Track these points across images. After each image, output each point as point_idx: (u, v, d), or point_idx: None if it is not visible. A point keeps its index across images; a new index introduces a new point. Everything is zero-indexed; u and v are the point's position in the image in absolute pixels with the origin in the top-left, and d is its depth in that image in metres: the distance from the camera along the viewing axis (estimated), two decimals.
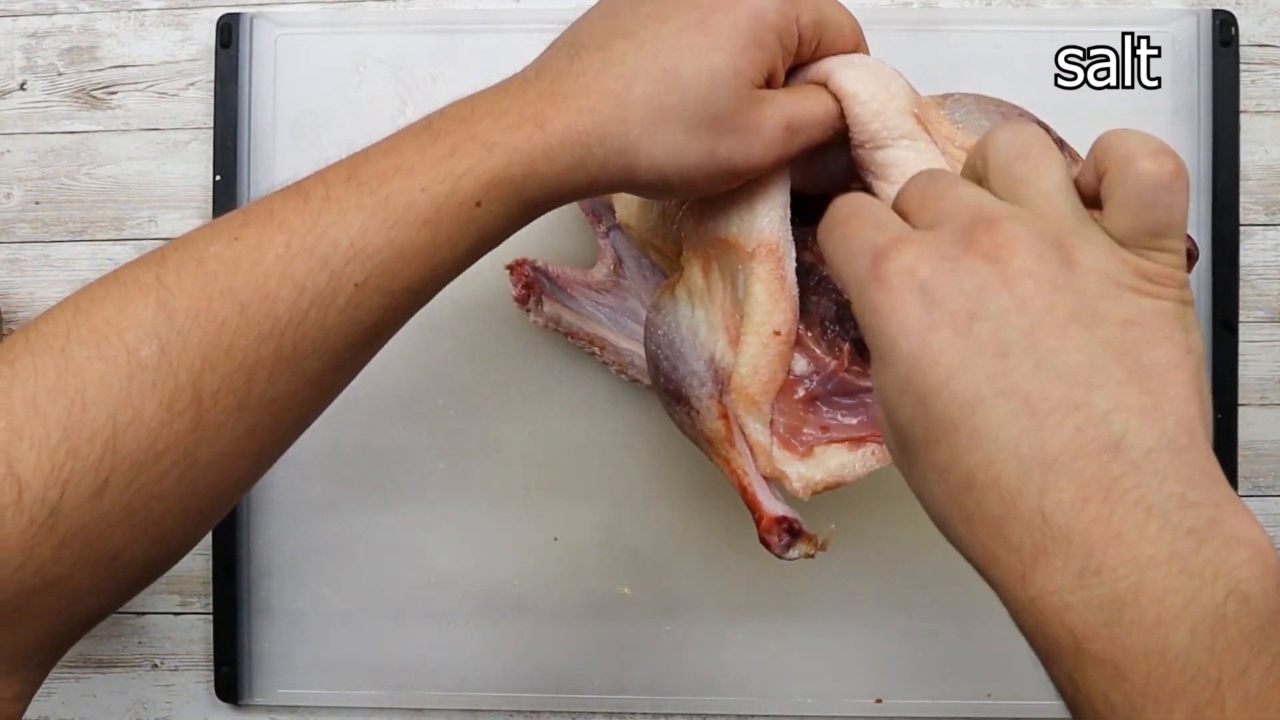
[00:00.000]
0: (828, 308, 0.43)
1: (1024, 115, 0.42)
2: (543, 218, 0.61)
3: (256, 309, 0.32)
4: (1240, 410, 0.57)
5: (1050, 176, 0.29)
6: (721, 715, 0.59)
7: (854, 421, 0.42)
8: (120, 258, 0.61)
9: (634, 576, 0.58)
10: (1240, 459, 0.57)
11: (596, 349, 0.55)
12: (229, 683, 0.59)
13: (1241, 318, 0.57)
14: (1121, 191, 0.27)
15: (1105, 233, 0.28)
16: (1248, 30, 0.58)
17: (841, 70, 0.39)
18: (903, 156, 0.39)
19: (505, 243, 0.58)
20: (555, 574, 0.59)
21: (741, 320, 0.40)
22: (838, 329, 0.42)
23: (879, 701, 0.58)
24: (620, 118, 0.35)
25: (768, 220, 0.40)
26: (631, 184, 0.37)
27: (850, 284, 0.30)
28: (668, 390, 0.43)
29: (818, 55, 0.40)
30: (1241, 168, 0.57)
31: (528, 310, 0.56)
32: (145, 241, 0.61)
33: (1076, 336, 0.26)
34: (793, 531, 0.40)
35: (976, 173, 0.31)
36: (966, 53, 0.57)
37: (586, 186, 0.36)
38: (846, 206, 0.31)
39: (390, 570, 0.59)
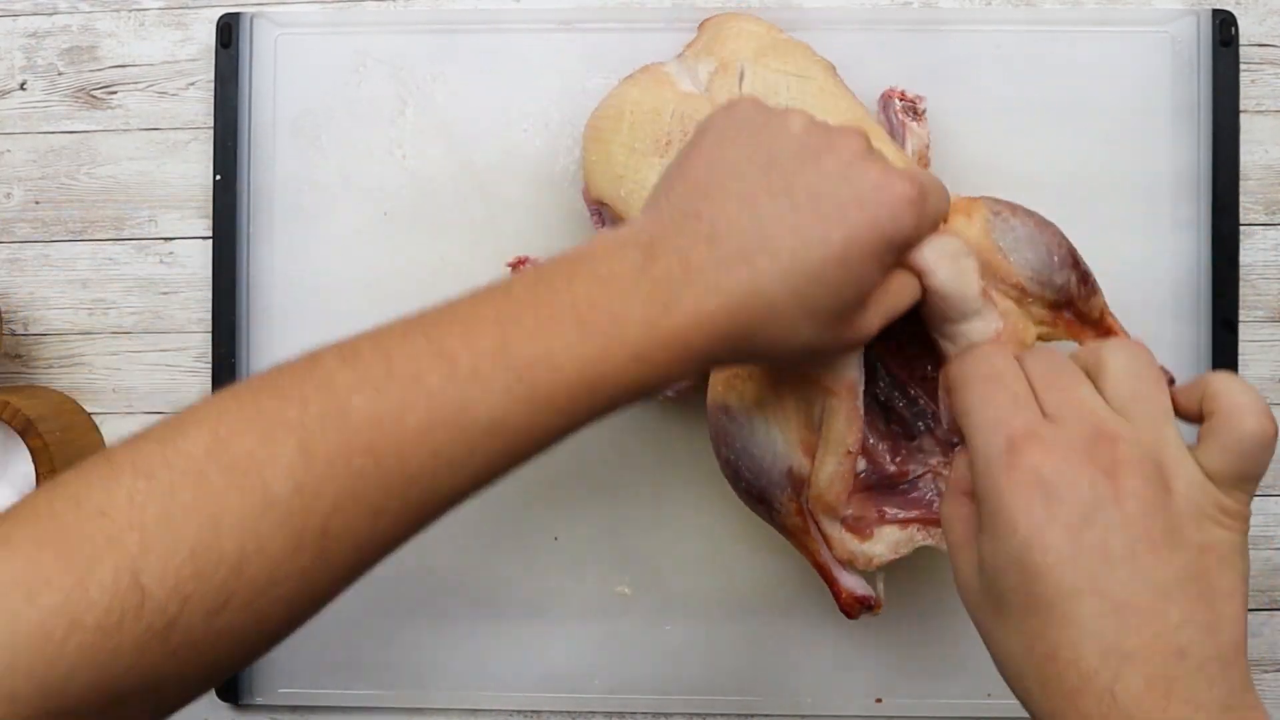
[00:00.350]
0: (877, 430, 0.50)
1: (1062, 239, 0.48)
2: (545, 216, 0.61)
3: (392, 464, 0.33)
4: None
5: (1160, 404, 0.34)
6: (721, 715, 0.59)
7: (901, 508, 0.50)
8: (120, 257, 0.61)
9: (634, 576, 0.58)
10: None
11: None
12: (229, 682, 0.59)
13: (1241, 317, 0.57)
14: (1224, 439, 0.33)
15: (1198, 464, 0.33)
16: (1248, 30, 0.58)
17: (924, 253, 0.42)
18: (974, 329, 0.45)
19: (507, 238, 0.58)
20: (556, 574, 0.59)
21: (819, 440, 0.47)
22: (888, 438, 0.50)
23: (879, 701, 0.58)
24: (750, 336, 0.37)
25: (851, 366, 0.46)
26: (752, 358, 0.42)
27: (979, 453, 0.34)
28: (750, 494, 0.49)
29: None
30: (1241, 167, 0.57)
31: None
32: (145, 241, 0.61)
33: (1165, 555, 0.32)
34: (868, 606, 0.50)
35: (1088, 367, 0.36)
36: (966, 52, 0.57)
37: (722, 358, 0.39)
38: (985, 365, 0.36)
39: (390, 570, 0.58)
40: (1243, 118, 0.57)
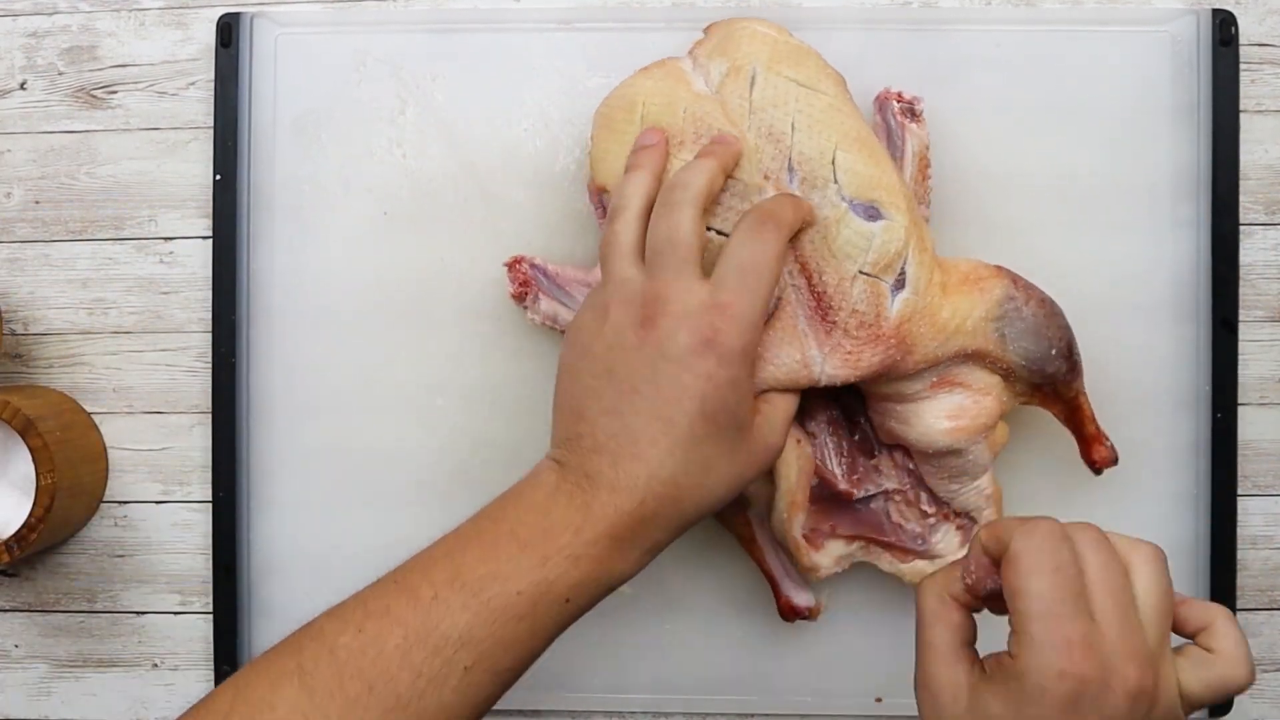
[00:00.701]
0: (835, 444, 0.54)
1: (1064, 330, 0.52)
2: (545, 216, 0.61)
3: (382, 688, 0.39)
4: (1240, 410, 0.57)
5: (1168, 621, 0.38)
6: (721, 715, 0.59)
7: (851, 525, 0.54)
8: (120, 257, 0.61)
9: (634, 577, 0.58)
10: (1240, 458, 0.57)
11: None
12: None
13: (1241, 317, 0.57)
14: (1212, 677, 0.38)
15: (1177, 676, 0.38)
16: (1247, 29, 0.58)
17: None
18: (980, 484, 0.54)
19: (507, 238, 0.58)
20: None
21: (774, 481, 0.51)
22: (848, 454, 0.54)
23: (879, 701, 0.58)
24: (672, 493, 0.43)
25: (782, 433, 0.49)
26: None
27: (1035, 640, 0.36)
28: None
29: None
30: (1241, 167, 0.57)
31: (525, 307, 0.56)
32: (145, 241, 0.61)
33: None
34: (804, 615, 0.54)
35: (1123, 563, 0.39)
36: (966, 52, 0.57)
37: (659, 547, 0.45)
38: (1053, 556, 0.37)
39: (389, 569, 0.59)
40: (1243, 117, 0.57)
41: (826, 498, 0.53)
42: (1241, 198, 0.57)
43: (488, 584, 0.41)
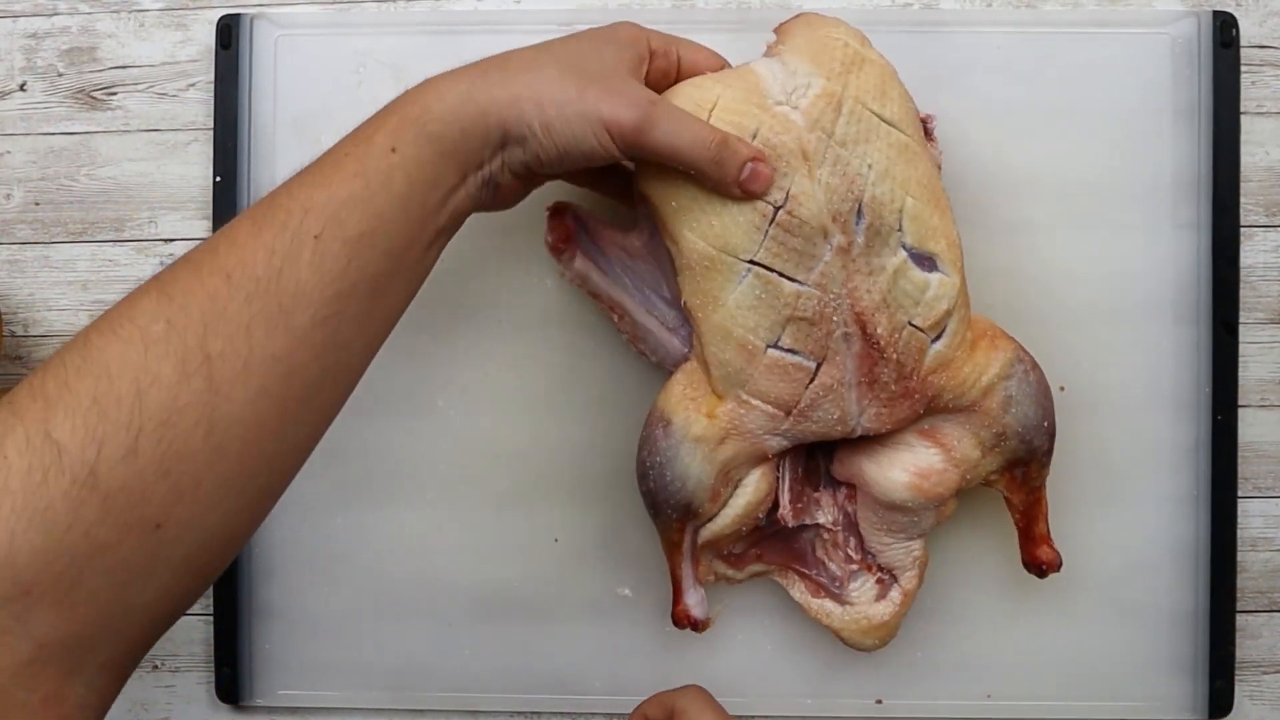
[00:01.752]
0: (790, 471, 0.54)
1: (1053, 409, 0.53)
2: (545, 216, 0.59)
3: (239, 274, 0.38)
4: (1240, 412, 0.57)
5: None
6: None
7: (776, 552, 0.56)
8: (120, 259, 0.61)
9: (635, 578, 0.59)
10: (1241, 460, 0.57)
11: (616, 315, 0.54)
12: (230, 684, 0.59)
13: (1242, 319, 0.57)
14: None
15: None
16: (1248, 31, 0.58)
17: None
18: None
19: (509, 237, 0.58)
20: (556, 575, 0.59)
21: (729, 495, 0.52)
22: (796, 483, 0.55)
23: (879, 702, 0.58)
24: (499, 64, 0.44)
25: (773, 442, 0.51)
26: (518, 120, 0.43)
27: None
28: (647, 497, 0.52)
29: (682, 74, 0.49)
30: (1242, 169, 0.57)
31: (559, 259, 0.54)
32: (145, 243, 0.60)
33: None
34: (695, 626, 0.54)
35: None
36: (967, 54, 0.57)
37: (476, 119, 0.42)
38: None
39: (391, 571, 0.59)
40: (1243, 119, 0.57)
41: (761, 528, 0.55)
42: (1242, 200, 0.57)
43: (320, 161, 0.42)
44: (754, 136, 0.47)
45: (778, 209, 0.47)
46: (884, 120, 0.48)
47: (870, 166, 0.47)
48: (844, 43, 0.48)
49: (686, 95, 0.48)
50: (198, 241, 0.59)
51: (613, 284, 0.53)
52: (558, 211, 0.53)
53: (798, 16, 0.50)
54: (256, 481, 0.38)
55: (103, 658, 0.35)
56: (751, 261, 0.48)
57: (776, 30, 0.51)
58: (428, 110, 0.42)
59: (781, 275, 0.48)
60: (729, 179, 0.46)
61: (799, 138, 0.47)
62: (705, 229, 0.47)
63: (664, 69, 0.48)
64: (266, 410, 0.38)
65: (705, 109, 0.47)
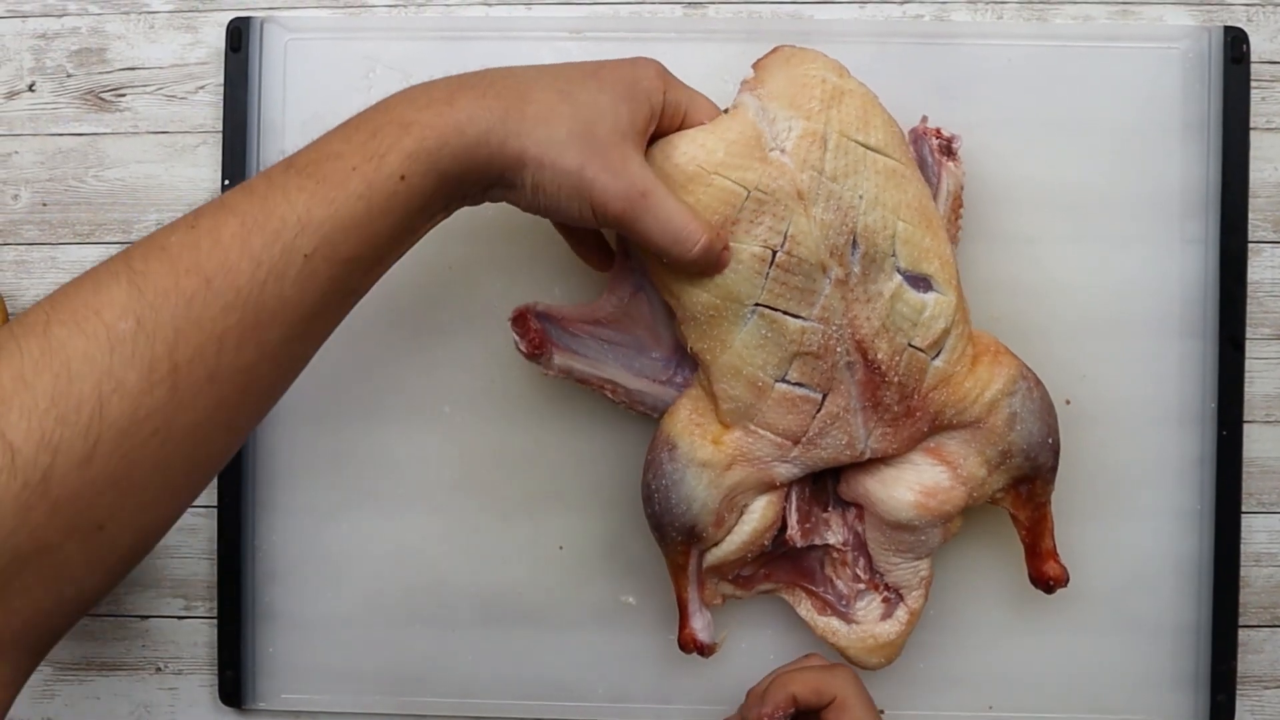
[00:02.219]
0: (798, 492, 0.54)
1: (1057, 425, 0.53)
2: (555, 254, 0.58)
3: (220, 281, 0.36)
4: (1246, 427, 0.57)
5: None
6: None
7: (785, 571, 0.56)
8: None
9: (638, 585, 0.59)
10: (1245, 475, 0.57)
11: (608, 391, 0.54)
12: (232, 687, 0.59)
13: (1248, 335, 0.57)
14: None
15: None
16: (1259, 47, 0.58)
17: None
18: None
19: (515, 244, 0.58)
20: (560, 582, 0.59)
21: (734, 521, 0.52)
22: (804, 502, 0.54)
23: (882, 713, 0.58)
24: (520, 106, 0.42)
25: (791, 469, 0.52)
26: (518, 172, 0.42)
27: None
28: (651, 519, 0.52)
29: (684, 125, 0.48)
30: (1250, 184, 0.57)
31: (539, 363, 0.53)
32: None
33: None
34: (701, 650, 0.54)
35: None
36: (978, 66, 0.57)
37: (484, 164, 0.42)
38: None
39: (395, 577, 0.59)
40: (1252, 135, 0.57)
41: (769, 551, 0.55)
42: (1250, 215, 0.57)
43: (322, 163, 0.39)
44: (748, 198, 0.47)
45: (776, 252, 0.47)
46: (869, 148, 0.48)
47: (861, 196, 0.48)
48: (821, 78, 0.48)
49: (690, 157, 0.47)
50: None
51: (596, 365, 0.53)
52: (520, 319, 0.52)
53: (774, 52, 0.51)
54: (196, 481, 0.38)
55: (30, 641, 0.35)
56: (756, 304, 0.48)
57: (754, 66, 0.50)
58: (445, 145, 0.40)
59: (785, 313, 0.48)
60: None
61: (793, 180, 0.47)
62: (706, 282, 0.48)
63: (670, 122, 0.48)
64: (221, 420, 0.37)
65: (708, 170, 0.47)
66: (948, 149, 0.52)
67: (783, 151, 0.47)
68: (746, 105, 0.48)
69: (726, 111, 0.49)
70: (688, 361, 0.53)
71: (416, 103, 0.41)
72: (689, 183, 0.47)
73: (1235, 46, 0.56)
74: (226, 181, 0.58)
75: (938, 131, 0.53)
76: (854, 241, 0.48)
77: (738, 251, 0.47)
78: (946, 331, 0.49)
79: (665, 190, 0.45)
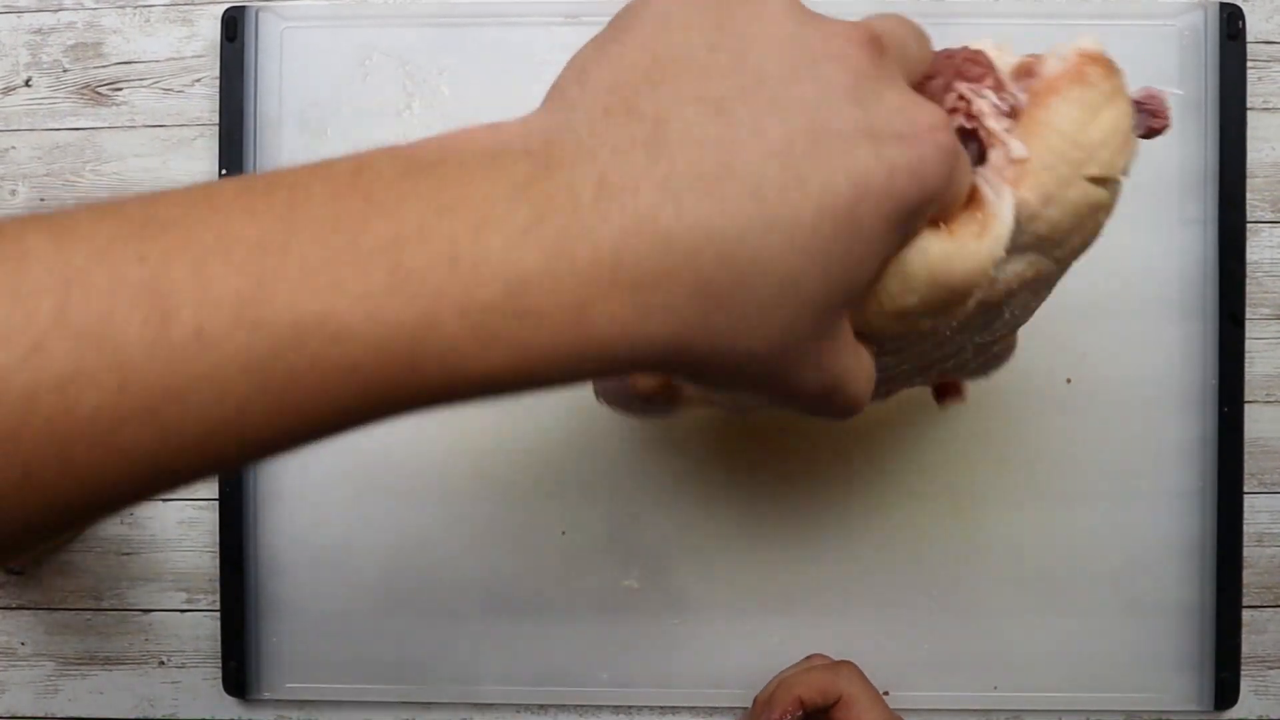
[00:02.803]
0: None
1: None
2: None
3: (51, 477, 0.21)
4: (1247, 407, 0.57)
5: None
6: (728, 709, 0.59)
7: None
8: None
9: (641, 570, 0.59)
10: (1247, 455, 0.57)
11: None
12: (237, 677, 0.59)
13: (1248, 314, 0.57)
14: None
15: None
16: (1255, 26, 0.58)
17: None
18: None
19: None
20: (563, 568, 0.59)
21: None
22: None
23: (886, 693, 0.58)
24: (726, 281, 0.23)
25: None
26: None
27: None
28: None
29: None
30: (1248, 164, 0.57)
31: (667, 407, 0.40)
32: None
33: None
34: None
35: None
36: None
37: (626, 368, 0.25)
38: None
39: (397, 565, 0.59)
40: (1250, 114, 0.57)
41: None
42: (1248, 194, 0.57)
43: (307, 338, 0.21)
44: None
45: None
46: None
47: None
48: None
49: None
50: None
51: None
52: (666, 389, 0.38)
53: None
54: None
55: None
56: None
57: None
58: (592, 325, 0.23)
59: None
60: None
61: None
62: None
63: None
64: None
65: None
66: None
67: None
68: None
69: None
70: None
71: (534, 285, 0.22)
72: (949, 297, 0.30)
73: (1231, 23, 0.56)
74: (223, 172, 0.58)
75: None
76: None
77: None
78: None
79: (855, 370, 0.28)
